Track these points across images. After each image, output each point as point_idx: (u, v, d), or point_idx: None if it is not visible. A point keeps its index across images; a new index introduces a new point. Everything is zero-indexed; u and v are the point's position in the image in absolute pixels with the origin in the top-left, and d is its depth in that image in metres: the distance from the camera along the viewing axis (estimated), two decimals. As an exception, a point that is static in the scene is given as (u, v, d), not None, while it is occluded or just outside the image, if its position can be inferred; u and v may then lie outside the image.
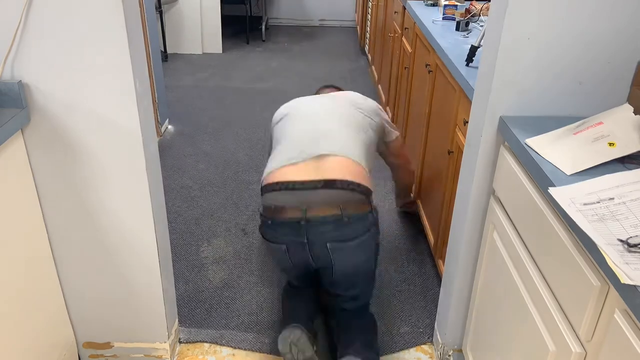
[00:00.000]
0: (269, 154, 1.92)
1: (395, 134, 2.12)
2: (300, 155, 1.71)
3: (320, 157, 1.69)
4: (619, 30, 1.25)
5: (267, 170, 1.75)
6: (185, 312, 1.96)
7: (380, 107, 2.06)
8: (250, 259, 2.26)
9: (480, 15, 2.28)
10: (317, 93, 2.25)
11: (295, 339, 1.65)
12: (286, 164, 1.70)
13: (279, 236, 1.67)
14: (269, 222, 1.67)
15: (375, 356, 1.70)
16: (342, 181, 1.64)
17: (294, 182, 1.65)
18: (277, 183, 1.67)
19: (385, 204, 2.65)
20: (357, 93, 2.07)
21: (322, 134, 1.77)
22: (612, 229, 0.91)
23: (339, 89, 2.26)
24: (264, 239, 1.74)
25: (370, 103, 2.02)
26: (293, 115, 1.90)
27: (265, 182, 1.72)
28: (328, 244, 1.63)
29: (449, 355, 1.75)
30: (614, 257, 0.85)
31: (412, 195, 2.52)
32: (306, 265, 1.73)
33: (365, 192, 1.67)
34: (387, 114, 3.36)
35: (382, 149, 2.14)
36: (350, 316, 1.80)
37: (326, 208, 1.61)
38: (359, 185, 1.65)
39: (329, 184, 1.63)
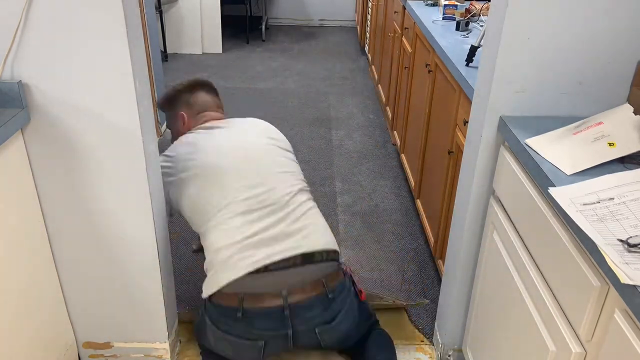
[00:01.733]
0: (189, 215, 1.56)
1: None
2: (262, 230, 1.42)
3: (286, 221, 1.44)
4: (619, 30, 1.25)
5: (225, 257, 1.41)
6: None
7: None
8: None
9: (480, 15, 2.28)
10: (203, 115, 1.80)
11: None
12: (252, 241, 1.40)
13: (256, 331, 1.38)
14: (238, 314, 1.36)
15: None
16: (320, 252, 1.43)
17: (271, 266, 1.38)
18: (255, 270, 1.38)
19: (385, 204, 2.65)
20: (260, 122, 1.76)
21: (274, 190, 1.48)
22: (612, 229, 0.91)
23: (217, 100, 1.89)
24: (223, 333, 1.40)
25: (278, 132, 1.74)
26: (220, 174, 1.50)
27: (227, 271, 1.39)
28: (317, 329, 1.42)
29: (449, 355, 1.75)
30: (614, 257, 0.85)
31: None
32: (281, 352, 1.49)
33: (338, 255, 1.48)
34: (388, 114, 3.37)
35: None
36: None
37: (309, 287, 1.39)
38: (335, 251, 1.48)
39: (307, 258, 1.40)
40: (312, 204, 1.56)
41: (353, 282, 1.56)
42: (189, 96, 1.81)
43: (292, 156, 1.66)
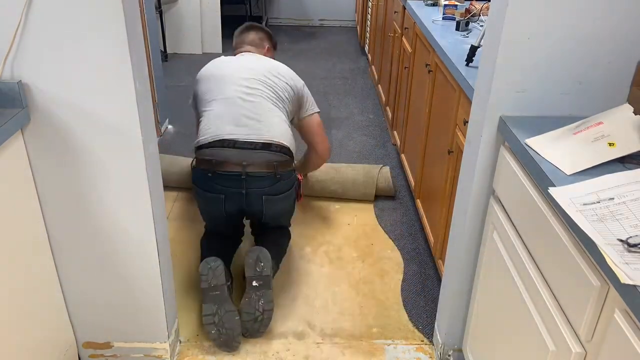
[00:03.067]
0: (197, 111, 2.17)
1: (314, 110, 2.28)
2: (236, 118, 1.98)
3: (255, 119, 1.98)
4: (619, 30, 1.25)
5: (206, 129, 2.00)
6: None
7: (301, 81, 2.27)
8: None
9: (480, 15, 2.28)
10: (238, 43, 2.38)
11: (215, 266, 1.83)
12: (226, 124, 1.97)
13: (219, 187, 1.93)
14: (209, 174, 1.92)
15: (280, 252, 2.11)
16: (276, 145, 1.96)
17: (236, 141, 1.93)
18: (219, 140, 1.94)
19: (384, 204, 2.66)
20: (277, 63, 2.24)
21: (254, 98, 2.03)
22: (612, 229, 0.91)
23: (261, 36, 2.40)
24: (200, 189, 1.98)
25: (290, 73, 2.23)
26: (222, 79, 2.09)
27: (205, 139, 1.97)
28: (263, 197, 1.95)
29: (449, 355, 1.75)
30: (614, 257, 0.85)
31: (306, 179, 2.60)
32: (237, 213, 2.02)
33: (291, 154, 2.03)
34: (388, 114, 3.37)
35: (297, 123, 2.29)
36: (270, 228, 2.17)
37: (263, 166, 1.92)
38: (288, 149, 2.00)
39: (265, 146, 1.94)
40: (284, 118, 2.09)
41: (299, 186, 2.14)
42: (240, 33, 2.40)
43: (287, 88, 2.16)
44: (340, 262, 2.25)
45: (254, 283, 1.85)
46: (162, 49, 4.66)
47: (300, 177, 2.15)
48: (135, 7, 1.30)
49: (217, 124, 1.98)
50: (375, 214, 2.58)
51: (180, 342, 1.84)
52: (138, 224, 1.49)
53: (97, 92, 1.31)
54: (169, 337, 1.71)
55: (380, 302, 2.04)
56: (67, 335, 1.66)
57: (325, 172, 2.61)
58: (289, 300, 2.04)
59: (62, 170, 1.41)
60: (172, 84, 4.13)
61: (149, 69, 1.52)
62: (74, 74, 1.29)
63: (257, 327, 1.84)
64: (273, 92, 2.09)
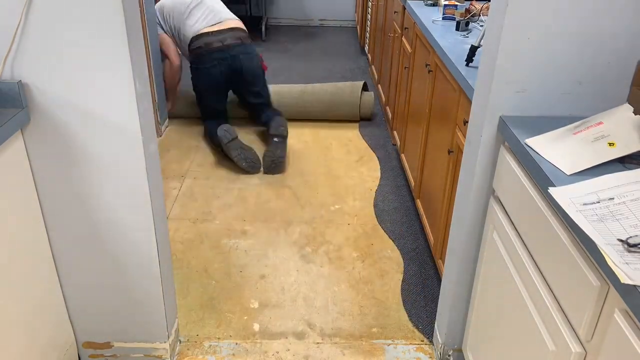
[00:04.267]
0: (178, 20, 3.19)
1: None
2: (212, 20, 3.10)
3: (223, 20, 3.12)
4: (619, 30, 1.25)
5: (196, 29, 3.07)
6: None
7: None
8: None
9: (480, 15, 2.28)
10: None
11: (227, 127, 2.88)
12: (207, 25, 3.07)
13: (213, 59, 2.98)
14: (204, 52, 2.99)
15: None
16: (237, 28, 3.11)
17: (215, 32, 3.05)
18: (206, 33, 3.04)
19: (385, 204, 2.65)
20: None
21: (220, 8, 3.20)
22: (612, 229, 0.91)
23: None
24: (201, 65, 3.02)
25: None
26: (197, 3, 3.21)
27: (199, 33, 3.04)
28: (241, 56, 3.02)
29: (449, 355, 1.75)
30: (614, 257, 0.85)
31: None
32: (228, 73, 3.04)
33: (248, 33, 3.17)
34: (388, 114, 3.37)
35: None
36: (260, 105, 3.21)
37: (235, 38, 3.05)
38: (244, 30, 3.16)
39: (232, 30, 3.08)
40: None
41: (261, 60, 3.20)
42: None
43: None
44: (340, 262, 2.25)
45: (275, 139, 2.86)
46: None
47: (260, 55, 3.21)
48: (135, 6, 1.30)
49: (195, 25, 3.06)
50: (375, 213, 2.59)
51: (180, 342, 1.84)
52: (138, 224, 1.49)
53: (97, 92, 1.31)
54: (169, 337, 1.71)
55: (380, 302, 2.04)
56: (67, 335, 1.66)
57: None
58: (289, 300, 2.04)
59: (62, 170, 1.41)
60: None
61: (149, 69, 1.52)
62: (73, 74, 1.29)
63: (273, 167, 2.84)
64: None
